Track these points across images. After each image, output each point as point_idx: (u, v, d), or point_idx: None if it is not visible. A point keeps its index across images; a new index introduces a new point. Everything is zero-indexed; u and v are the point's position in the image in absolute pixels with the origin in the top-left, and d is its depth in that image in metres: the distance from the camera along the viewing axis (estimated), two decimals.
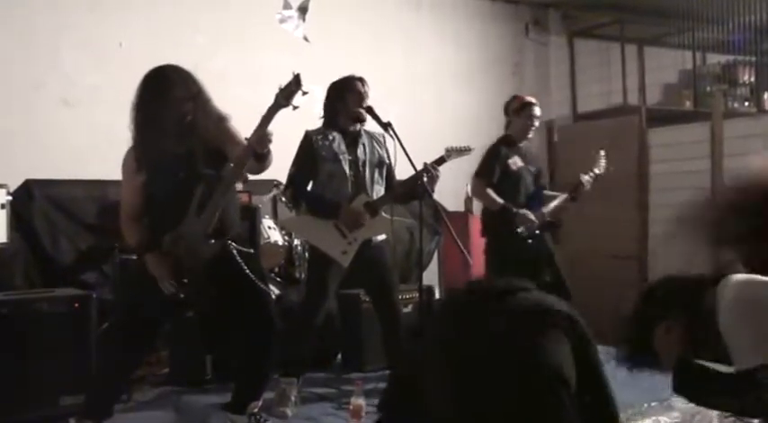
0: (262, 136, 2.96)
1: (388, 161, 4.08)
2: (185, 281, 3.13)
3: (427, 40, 6.55)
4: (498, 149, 4.60)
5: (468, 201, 6.13)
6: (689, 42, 6.69)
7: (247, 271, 3.25)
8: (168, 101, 3.09)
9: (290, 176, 4.02)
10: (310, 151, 3.95)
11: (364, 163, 4.00)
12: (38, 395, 3.48)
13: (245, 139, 3.06)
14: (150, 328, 3.32)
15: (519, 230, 4.44)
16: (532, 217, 4.48)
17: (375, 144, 4.07)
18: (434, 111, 6.33)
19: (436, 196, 3.97)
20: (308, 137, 3.99)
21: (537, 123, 4.68)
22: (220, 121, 3.21)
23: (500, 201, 4.48)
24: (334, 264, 3.92)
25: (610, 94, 6.89)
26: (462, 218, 5.87)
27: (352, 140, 4.01)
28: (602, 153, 4.76)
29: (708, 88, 6.68)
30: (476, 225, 5.74)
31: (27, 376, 3.46)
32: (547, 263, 4.58)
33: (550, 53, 7.31)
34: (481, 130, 6.68)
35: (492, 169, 4.54)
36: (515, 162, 4.59)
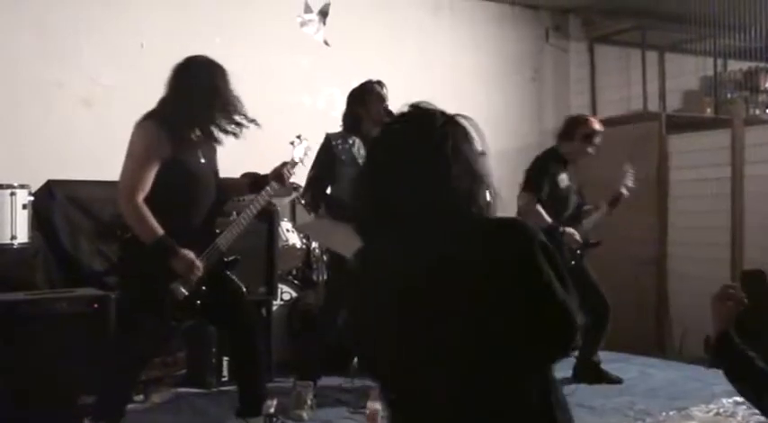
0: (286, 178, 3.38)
1: None
2: (204, 288, 3.12)
3: (445, 43, 6.54)
4: (548, 166, 4.46)
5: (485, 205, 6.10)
6: (710, 49, 6.64)
7: (231, 276, 3.32)
8: (209, 87, 3.13)
9: (310, 179, 4.04)
10: (330, 155, 3.97)
11: None
12: (55, 394, 3.49)
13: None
14: (157, 331, 3.30)
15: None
16: (579, 237, 4.37)
17: None
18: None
19: None
20: (328, 140, 4.01)
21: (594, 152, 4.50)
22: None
23: (548, 219, 4.31)
24: None
25: (630, 100, 6.85)
26: None
27: None
28: (628, 165, 4.70)
29: (729, 95, 6.62)
30: None
31: (45, 375, 3.48)
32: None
33: (570, 59, 7.27)
34: (498, 136, 6.68)
35: (541, 185, 4.38)
36: (563, 180, 4.46)
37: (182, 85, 3.11)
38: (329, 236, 4.03)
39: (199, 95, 3.09)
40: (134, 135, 3.06)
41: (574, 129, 4.51)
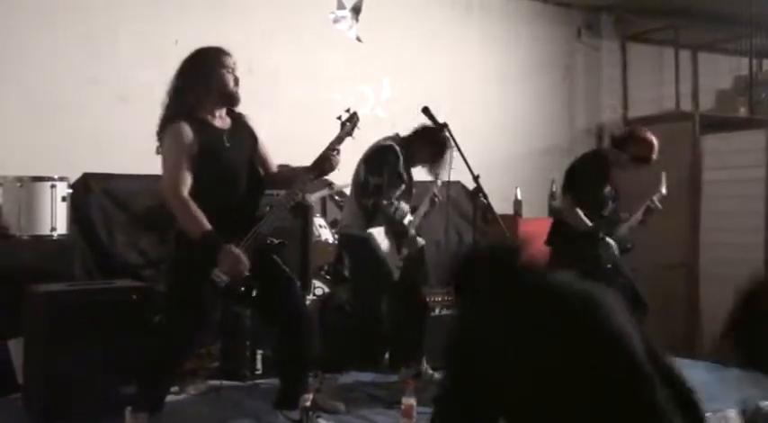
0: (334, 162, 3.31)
1: None
2: (248, 273, 3.09)
3: (475, 41, 6.52)
4: (591, 170, 4.40)
5: (516, 204, 6.09)
6: (745, 48, 6.57)
7: (277, 260, 3.32)
8: (216, 72, 3.17)
9: (377, 186, 3.93)
10: (399, 167, 4.00)
11: None
12: (95, 384, 3.53)
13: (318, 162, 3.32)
14: (200, 319, 3.31)
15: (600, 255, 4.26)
16: (616, 250, 4.31)
17: None
18: (480, 113, 6.29)
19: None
20: (396, 152, 4.01)
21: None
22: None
23: (588, 222, 4.28)
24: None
25: (662, 99, 6.80)
26: (511, 221, 5.83)
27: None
28: (664, 175, 4.55)
29: (763, 95, 6.55)
30: (524, 228, 5.72)
31: (85, 366, 3.52)
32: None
33: (602, 57, 7.22)
34: (528, 135, 6.66)
35: (583, 188, 4.35)
36: (605, 185, 4.42)
37: (182, 77, 3.23)
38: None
39: (189, 82, 3.19)
40: (165, 138, 3.16)
41: (632, 145, 4.34)
